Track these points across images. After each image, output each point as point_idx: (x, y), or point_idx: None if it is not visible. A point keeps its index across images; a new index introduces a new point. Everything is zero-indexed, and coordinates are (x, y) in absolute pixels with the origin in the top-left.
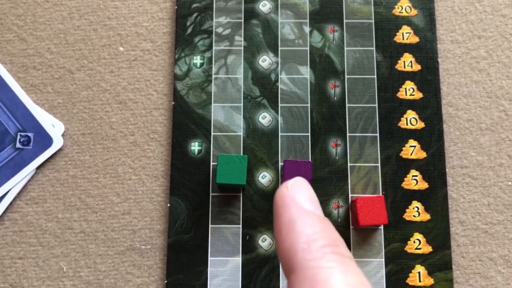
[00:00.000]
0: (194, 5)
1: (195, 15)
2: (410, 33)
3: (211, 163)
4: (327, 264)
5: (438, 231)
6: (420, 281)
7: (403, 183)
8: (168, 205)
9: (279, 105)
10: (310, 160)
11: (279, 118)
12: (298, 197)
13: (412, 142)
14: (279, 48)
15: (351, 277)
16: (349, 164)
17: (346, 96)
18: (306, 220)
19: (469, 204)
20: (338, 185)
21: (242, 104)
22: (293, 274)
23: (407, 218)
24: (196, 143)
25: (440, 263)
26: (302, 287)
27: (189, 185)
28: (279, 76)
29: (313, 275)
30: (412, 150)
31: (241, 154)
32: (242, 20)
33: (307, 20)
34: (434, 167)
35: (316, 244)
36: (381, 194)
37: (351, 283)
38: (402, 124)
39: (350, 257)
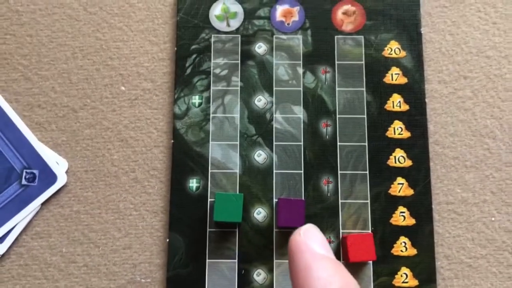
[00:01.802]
0: (193, 47)
1: (194, 56)
2: (399, 74)
3: (209, 199)
4: None
5: (424, 265)
6: None
7: (392, 219)
8: (167, 240)
9: (274, 143)
10: (303, 197)
11: (274, 156)
12: (311, 243)
13: (400, 179)
14: (274, 89)
15: None
16: (340, 201)
17: (338, 135)
18: (321, 264)
19: (454, 239)
20: (330, 221)
21: (238, 142)
22: None
23: (395, 253)
24: (194, 180)
25: None
26: None
27: (187, 221)
28: (274, 115)
29: None
30: (400, 187)
31: (237, 190)
32: (239, 62)
33: (301, 62)
34: (421, 204)
35: (331, 287)
36: (370, 230)
37: None
38: (391, 162)
39: None
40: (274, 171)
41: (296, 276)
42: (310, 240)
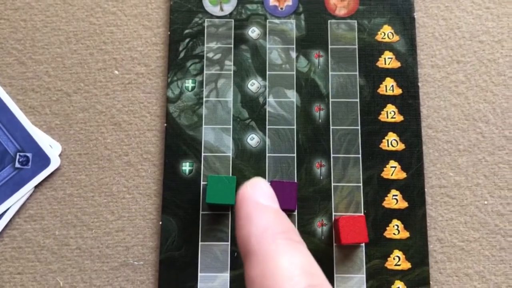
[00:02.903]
0: (186, 31)
1: (187, 40)
2: (392, 58)
3: (202, 183)
4: (276, 247)
5: (417, 248)
6: None
7: (384, 202)
8: (160, 223)
9: (267, 127)
10: (295, 180)
11: (267, 140)
12: (255, 194)
13: (392, 163)
14: (267, 73)
15: (297, 257)
16: (332, 184)
17: (331, 119)
18: (261, 213)
19: (447, 223)
20: (322, 204)
21: (231, 126)
22: (248, 257)
23: (388, 236)
24: (187, 163)
25: (418, 279)
26: (254, 267)
27: (180, 204)
28: (267, 99)
29: (263, 256)
30: (392, 170)
31: (230, 174)
32: (232, 46)
33: (294, 46)
34: (414, 187)
35: (268, 232)
36: (363, 213)
37: (297, 263)
38: (384, 145)
39: (300, 241)
40: (267, 154)
41: (237, 222)
42: (255, 191)
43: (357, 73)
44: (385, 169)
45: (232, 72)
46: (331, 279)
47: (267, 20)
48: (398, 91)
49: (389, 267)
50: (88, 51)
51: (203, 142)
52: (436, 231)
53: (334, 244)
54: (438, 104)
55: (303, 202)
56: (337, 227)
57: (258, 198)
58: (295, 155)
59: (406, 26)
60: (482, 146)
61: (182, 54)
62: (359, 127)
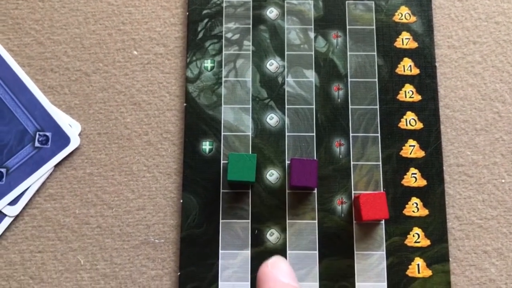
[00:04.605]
0: (205, 11)
1: (205, 20)
2: (409, 38)
3: (221, 161)
4: None
5: (436, 226)
6: (419, 272)
7: (403, 180)
8: (181, 201)
9: (286, 106)
10: (315, 158)
11: (286, 119)
12: (276, 273)
13: (411, 141)
14: (286, 53)
15: None
16: (352, 163)
17: (349, 98)
18: None
19: (465, 200)
20: (342, 182)
21: (250, 106)
22: None
23: (407, 214)
24: (207, 143)
25: (437, 255)
26: None
27: (201, 182)
28: (286, 79)
29: None
30: (411, 149)
31: (250, 153)
32: (251, 26)
33: (312, 26)
34: (432, 166)
35: None
36: (382, 191)
37: None
38: (402, 124)
39: None
40: (286, 133)
41: None
42: (276, 270)
43: (375, 53)
44: (403, 147)
45: (250, 52)
46: (351, 257)
47: (285, 1)
48: (415, 71)
49: (408, 244)
50: (106, 32)
51: (222, 121)
52: (454, 209)
53: (354, 222)
54: (455, 84)
55: (323, 181)
56: (357, 204)
57: (279, 276)
58: (314, 134)
59: (423, 7)
60: (499, 126)
61: (200, 35)
62: (377, 107)
